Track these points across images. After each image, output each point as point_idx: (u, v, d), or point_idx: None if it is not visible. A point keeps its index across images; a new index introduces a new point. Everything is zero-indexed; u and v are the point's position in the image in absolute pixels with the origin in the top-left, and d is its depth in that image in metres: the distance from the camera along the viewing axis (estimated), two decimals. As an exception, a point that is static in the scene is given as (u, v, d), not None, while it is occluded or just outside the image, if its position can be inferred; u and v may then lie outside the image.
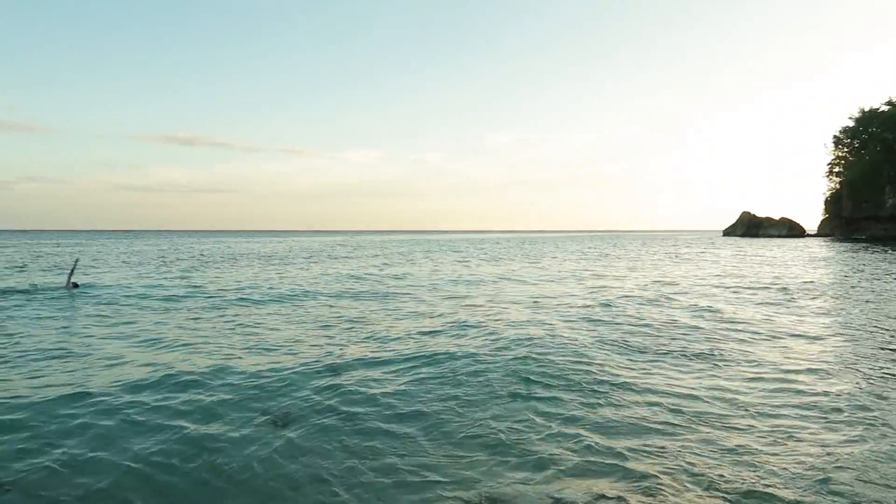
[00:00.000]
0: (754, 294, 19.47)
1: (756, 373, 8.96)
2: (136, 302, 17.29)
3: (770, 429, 6.44)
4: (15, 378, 8.59)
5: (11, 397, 7.53)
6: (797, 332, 12.39)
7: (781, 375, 8.76)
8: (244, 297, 18.66)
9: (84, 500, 4.90)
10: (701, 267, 33.47)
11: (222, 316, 14.84)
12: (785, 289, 20.84)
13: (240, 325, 13.48)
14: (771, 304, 17.07)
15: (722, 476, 5.25)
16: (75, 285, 19.88)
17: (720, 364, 9.54)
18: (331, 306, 16.59)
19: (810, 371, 9.01)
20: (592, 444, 5.93)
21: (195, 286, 21.88)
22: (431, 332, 12.40)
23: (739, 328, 12.89)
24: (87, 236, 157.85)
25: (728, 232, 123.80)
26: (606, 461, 5.55)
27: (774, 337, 11.92)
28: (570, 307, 16.26)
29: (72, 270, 20.93)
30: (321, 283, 23.39)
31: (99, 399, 7.38)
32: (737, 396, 7.67)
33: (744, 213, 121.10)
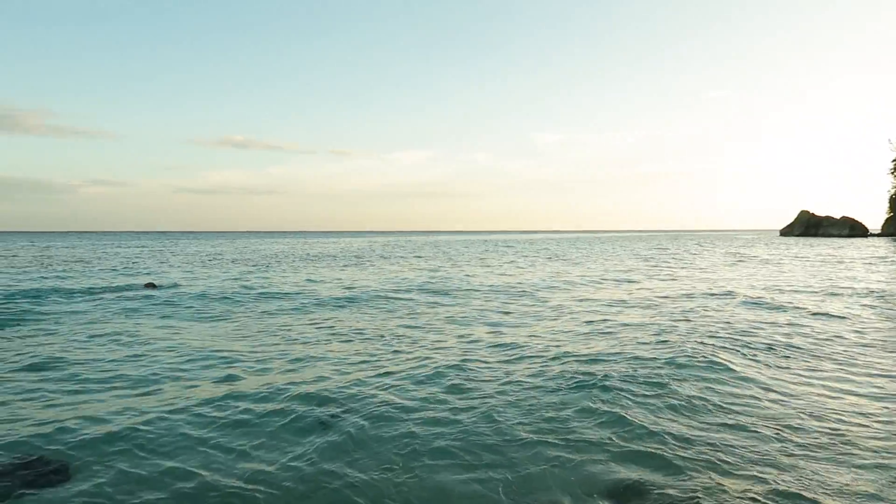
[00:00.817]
0: (842, 297, 18.83)
1: (857, 379, 8.96)
2: (213, 301, 18.16)
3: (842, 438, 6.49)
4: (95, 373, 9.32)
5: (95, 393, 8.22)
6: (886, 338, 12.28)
7: (882, 383, 8.71)
8: (331, 297, 19.33)
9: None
10: (772, 268, 32.68)
11: (309, 316, 15.47)
12: (868, 291, 20.34)
13: (327, 328, 13.91)
14: (859, 306, 16.70)
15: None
16: (153, 286, 20.95)
17: (811, 368, 9.55)
18: (412, 309, 16.92)
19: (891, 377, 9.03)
20: (667, 454, 5.89)
21: (266, 287, 22.73)
22: (509, 337, 12.72)
23: (829, 333, 12.70)
24: (150, 237, 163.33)
25: (785, 232, 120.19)
26: (672, 476, 5.42)
27: (865, 343, 11.82)
28: (654, 311, 16.24)
29: (152, 284, 22.11)
30: (396, 284, 23.93)
31: (187, 402, 7.72)
32: (827, 399, 7.72)
33: (802, 211, 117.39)
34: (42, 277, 26.84)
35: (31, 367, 9.55)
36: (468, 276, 28.53)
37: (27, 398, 7.83)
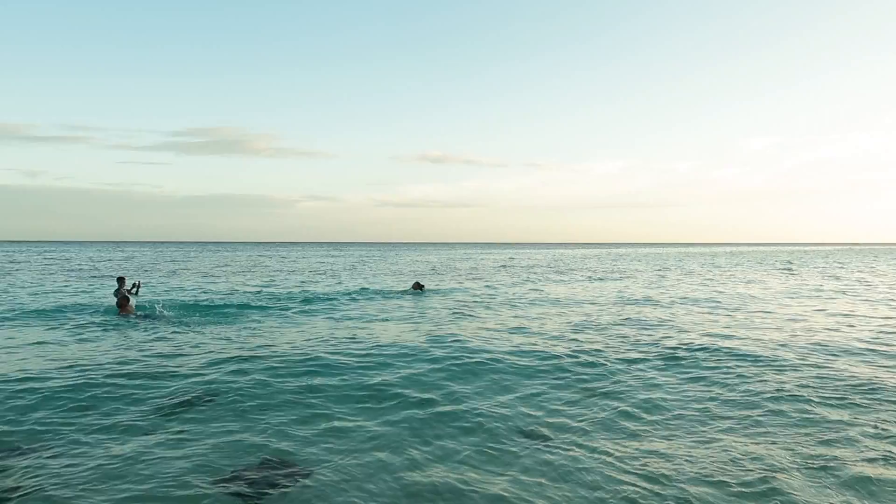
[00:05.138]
0: None
1: None
2: (475, 300, 21.31)
3: None
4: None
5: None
6: None
7: None
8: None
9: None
10: None
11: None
12: None
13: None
14: None
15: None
16: (421, 287, 25.14)
17: None
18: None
19: None
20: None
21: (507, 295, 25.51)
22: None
23: None
24: (357, 248, 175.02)
25: None
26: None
27: None
28: None
29: (419, 286, 25.99)
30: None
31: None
32: None
33: None
34: (323, 281, 32.21)
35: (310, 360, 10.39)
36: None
37: (293, 401, 8.08)
